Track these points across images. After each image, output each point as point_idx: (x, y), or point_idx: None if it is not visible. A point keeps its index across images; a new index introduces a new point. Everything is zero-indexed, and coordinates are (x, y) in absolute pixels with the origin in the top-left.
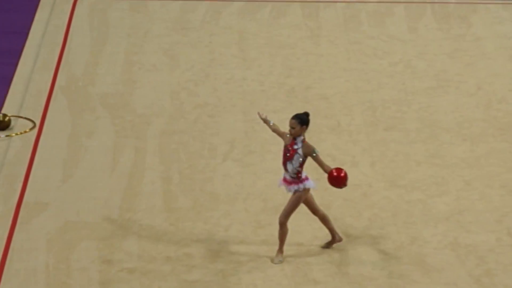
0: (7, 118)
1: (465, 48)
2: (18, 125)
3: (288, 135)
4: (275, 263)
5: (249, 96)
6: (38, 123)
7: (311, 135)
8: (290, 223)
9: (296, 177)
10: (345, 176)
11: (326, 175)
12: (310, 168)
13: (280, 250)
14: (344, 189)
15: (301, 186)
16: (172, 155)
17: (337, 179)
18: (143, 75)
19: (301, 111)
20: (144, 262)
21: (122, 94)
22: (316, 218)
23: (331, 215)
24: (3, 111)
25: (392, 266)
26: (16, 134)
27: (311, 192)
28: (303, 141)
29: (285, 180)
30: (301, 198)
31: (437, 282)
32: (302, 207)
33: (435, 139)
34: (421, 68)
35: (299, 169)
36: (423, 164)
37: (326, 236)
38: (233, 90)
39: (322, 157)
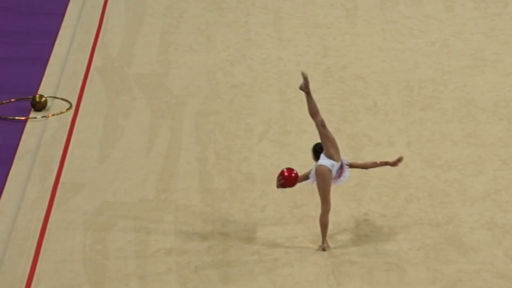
0: (43, 99)
1: (501, 27)
2: (54, 106)
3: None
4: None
5: (285, 76)
6: (74, 104)
7: (347, 115)
8: None
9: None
10: (295, 177)
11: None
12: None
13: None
14: (380, 168)
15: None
16: (208, 135)
17: (289, 179)
18: (179, 56)
19: (337, 91)
20: (180, 242)
21: (158, 75)
22: (353, 197)
23: (367, 195)
24: (40, 92)
25: (428, 245)
26: (53, 115)
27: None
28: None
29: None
30: None
31: (473, 262)
32: (339, 188)
33: (472, 119)
34: (457, 48)
35: None
36: (459, 143)
37: (364, 216)
38: (269, 70)
39: (358, 138)
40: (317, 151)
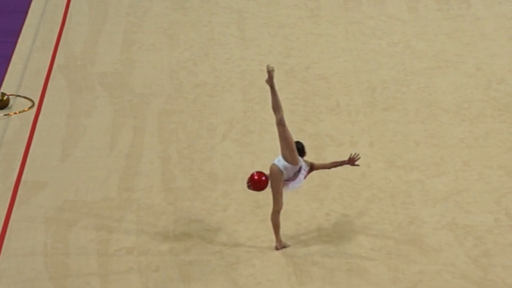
0: (5, 97)
1: (464, 29)
2: (16, 104)
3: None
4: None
5: (248, 76)
6: (36, 102)
7: (310, 115)
8: (288, 204)
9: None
10: (265, 181)
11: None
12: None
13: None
14: (343, 168)
15: None
16: (171, 134)
17: (258, 182)
18: (142, 55)
19: (300, 91)
20: (142, 241)
21: (121, 74)
22: (315, 197)
23: (329, 195)
24: (2, 90)
25: (390, 246)
26: (15, 113)
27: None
28: None
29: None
30: None
31: (435, 262)
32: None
33: (434, 120)
34: (420, 49)
35: None
36: (421, 144)
37: (326, 216)
38: (232, 69)
39: (320, 138)
40: (298, 149)
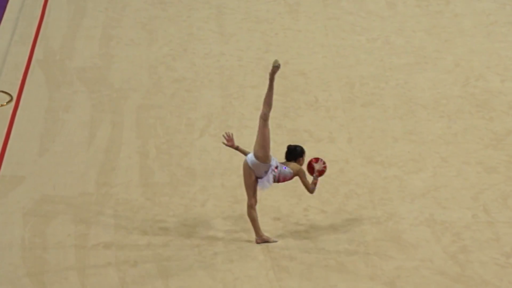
0: None
1: (443, 25)
2: None
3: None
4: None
5: (227, 71)
6: (15, 96)
7: (288, 111)
8: (266, 199)
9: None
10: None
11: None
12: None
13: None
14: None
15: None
16: (149, 129)
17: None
18: (121, 50)
19: (279, 86)
20: (120, 236)
21: (99, 68)
22: (294, 193)
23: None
24: None
25: (368, 242)
26: None
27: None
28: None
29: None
30: None
31: (413, 258)
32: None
33: (412, 116)
34: (399, 45)
35: None
36: (400, 140)
37: (304, 211)
38: (211, 65)
39: (299, 134)
40: (290, 151)
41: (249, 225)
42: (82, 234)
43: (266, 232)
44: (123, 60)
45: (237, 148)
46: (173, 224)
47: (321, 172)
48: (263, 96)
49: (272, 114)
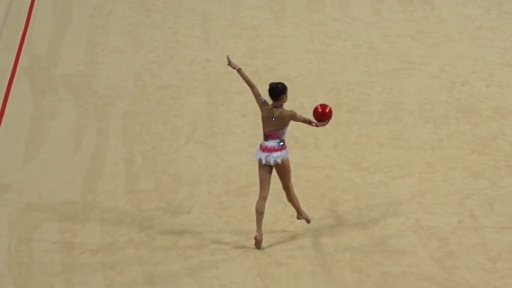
0: None
1: (428, 30)
2: None
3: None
4: (309, 222)
5: (212, 78)
6: (0, 104)
7: None
8: (252, 205)
9: (283, 144)
10: (330, 112)
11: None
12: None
13: (300, 211)
14: (308, 170)
15: (285, 152)
16: (135, 136)
17: (323, 114)
18: (106, 57)
19: (264, 93)
20: (106, 244)
21: (85, 76)
22: (280, 199)
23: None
24: None
25: (354, 248)
26: None
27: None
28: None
29: (268, 149)
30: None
31: (399, 264)
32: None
33: (398, 121)
34: (384, 50)
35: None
36: (386, 146)
37: (290, 218)
38: (197, 71)
39: (288, 139)
40: (272, 88)
41: (235, 232)
42: (68, 241)
43: (252, 239)
44: (108, 67)
45: (239, 71)
46: (159, 232)
47: (321, 117)
48: (250, 103)
49: (258, 120)
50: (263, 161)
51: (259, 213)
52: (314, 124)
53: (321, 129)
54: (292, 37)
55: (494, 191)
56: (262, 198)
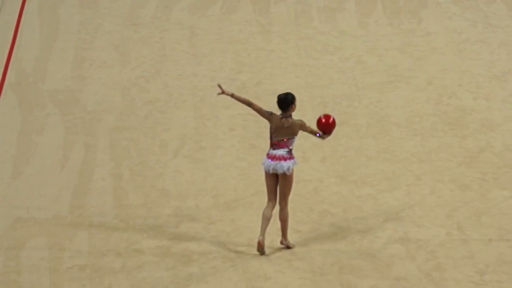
0: None
1: (415, 43)
2: None
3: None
4: (292, 247)
5: (200, 92)
6: None
7: (262, 131)
8: (241, 219)
9: (290, 153)
10: (333, 122)
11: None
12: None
13: (286, 236)
14: (295, 183)
15: (293, 162)
16: (123, 151)
17: (326, 125)
18: (94, 72)
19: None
20: (94, 259)
21: (72, 91)
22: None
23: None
24: None
25: (342, 261)
26: None
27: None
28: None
29: (277, 157)
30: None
31: (387, 277)
32: (253, 203)
33: (386, 134)
34: (371, 63)
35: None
36: (373, 159)
37: (278, 231)
38: (184, 86)
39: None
40: (281, 100)
41: (224, 246)
42: (56, 257)
43: (240, 252)
44: (95, 82)
45: (232, 96)
46: (147, 246)
47: (325, 128)
48: (237, 117)
49: (245, 134)
50: (270, 170)
51: (266, 219)
52: (319, 135)
53: (308, 142)
54: (279, 51)
55: (482, 203)
56: (271, 205)
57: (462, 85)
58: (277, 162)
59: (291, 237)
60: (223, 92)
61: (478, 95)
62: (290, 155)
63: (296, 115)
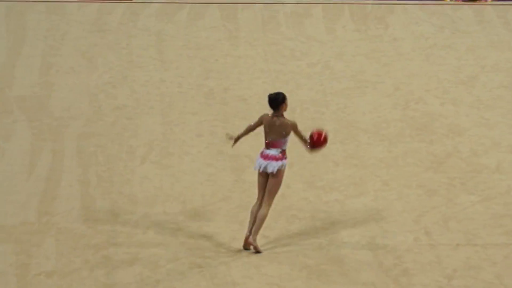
0: None
1: (382, 49)
2: None
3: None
4: (260, 251)
5: (167, 98)
6: None
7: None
8: (208, 225)
9: (283, 154)
10: (325, 139)
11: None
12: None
13: (255, 237)
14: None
15: (281, 163)
16: (90, 157)
17: (317, 143)
18: (61, 78)
19: (220, 112)
20: (62, 265)
21: (39, 97)
22: (236, 219)
23: (249, 216)
24: None
25: (310, 266)
26: None
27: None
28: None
29: (269, 157)
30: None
31: (355, 282)
32: (221, 209)
33: (353, 140)
34: (339, 69)
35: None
36: (341, 164)
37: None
38: (151, 92)
39: (240, 160)
40: (272, 100)
41: (191, 252)
42: (23, 263)
43: (208, 258)
44: (63, 89)
45: (238, 139)
46: (114, 252)
47: (315, 144)
48: (204, 123)
49: (212, 140)
50: (261, 169)
51: (253, 216)
52: (308, 147)
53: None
54: (247, 57)
55: (449, 208)
56: (259, 203)
57: (429, 91)
58: (268, 161)
59: (259, 242)
60: (235, 141)
61: (445, 101)
62: (282, 156)
63: None
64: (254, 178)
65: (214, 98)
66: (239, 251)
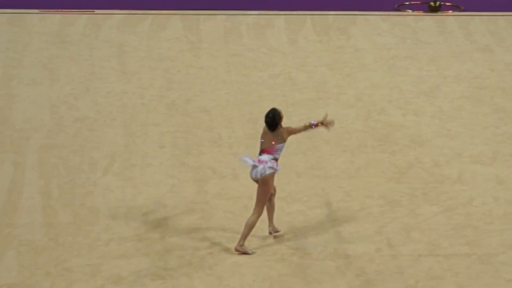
0: None
1: (344, 60)
2: None
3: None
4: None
5: (129, 110)
6: None
7: (191, 148)
8: (171, 237)
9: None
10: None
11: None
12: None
13: (243, 241)
14: (225, 201)
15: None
16: (52, 169)
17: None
18: (22, 89)
19: (182, 124)
20: (23, 277)
21: (0, 109)
22: (198, 230)
23: (212, 227)
24: None
25: (273, 277)
26: None
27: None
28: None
29: (260, 161)
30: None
31: None
32: (183, 221)
33: (315, 151)
34: (301, 80)
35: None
36: (303, 175)
37: (208, 249)
38: (113, 103)
39: (202, 171)
40: (269, 122)
41: (153, 263)
42: None
43: (170, 270)
44: (24, 100)
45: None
46: (77, 265)
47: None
48: (167, 134)
49: (175, 151)
50: (252, 175)
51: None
52: (319, 124)
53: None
54: (209, 68)
55: (411, 219)
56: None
57: (391, 101)
58: (257, 166)
59: (221, 254)
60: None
61: (407, 111)
62: (271, 162)
63: (225, 132)
64: (216, 190)
65: (177, 109)
66: (201, 260)
